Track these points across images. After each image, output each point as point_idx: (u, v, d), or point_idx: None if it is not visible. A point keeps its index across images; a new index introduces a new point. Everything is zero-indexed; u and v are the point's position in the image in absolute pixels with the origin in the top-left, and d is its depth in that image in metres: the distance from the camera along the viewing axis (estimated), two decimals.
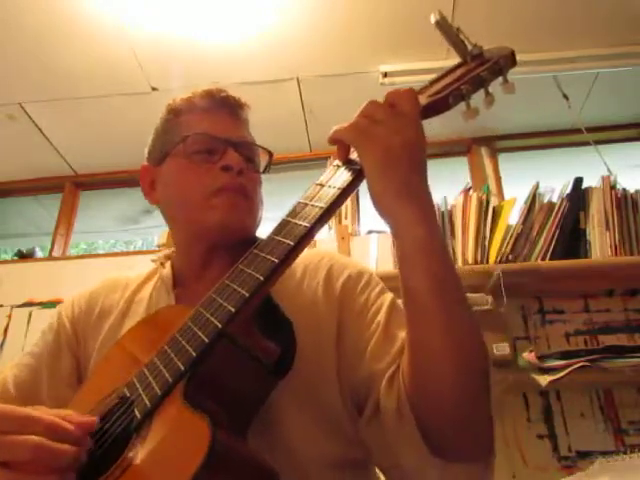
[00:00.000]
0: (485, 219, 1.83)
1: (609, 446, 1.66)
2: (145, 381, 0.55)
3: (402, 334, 0.66)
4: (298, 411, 0.64)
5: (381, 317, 0.69)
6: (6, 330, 2.21)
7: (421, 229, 0.56)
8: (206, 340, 0.53)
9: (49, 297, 2.25)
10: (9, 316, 2.24)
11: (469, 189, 1.94)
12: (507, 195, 2.30)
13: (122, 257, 2.56)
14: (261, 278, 0.55)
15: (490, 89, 0.64)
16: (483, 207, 1.86)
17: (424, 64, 2.11)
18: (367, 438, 0.65)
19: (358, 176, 0.60)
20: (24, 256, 2.61)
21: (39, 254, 2.68)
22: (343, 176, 0.61)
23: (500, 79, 0.64)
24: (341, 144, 0.62)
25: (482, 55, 0.65)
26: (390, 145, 0.57)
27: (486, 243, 1.80)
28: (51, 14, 1.90)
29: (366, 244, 2.20)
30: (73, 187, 2.77)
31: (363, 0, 1.90)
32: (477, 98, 0.64)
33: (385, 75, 2.16)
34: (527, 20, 1.98)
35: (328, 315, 0.71)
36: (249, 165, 0.78)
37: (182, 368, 0.52)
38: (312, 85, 2.24)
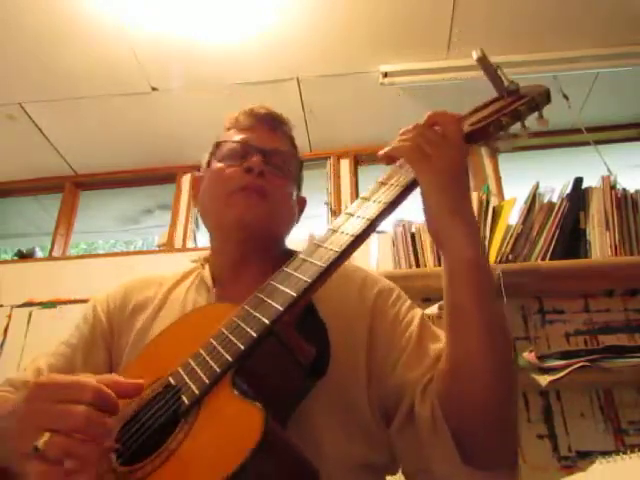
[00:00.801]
0: (485, 219, 1.83)
1: (609, 446, 1.66)
2: (192, 371, 0.57)
3: (434, 347, 0.71)
4: (327, 412, 0.66)
5: (414, 329, 0.73)
6: (6, 330, 2.21)
7: (472, 250, 0.61)
8: (254, 335, 0.56)
9: (49, 297, 2.25)
10: (9, 316, 2.24)
11: None
12: (507, 195, 2.30)
13: (122, 257, 2.56)
14: (309, 280, 0.58)
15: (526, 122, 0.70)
16: (483, 207, 1.86)
17: (424, 64, 2.11)
18: (398, 444, 0.68)
19: (404, 192, 0.64)
20: (24, 256, 2.61)
21: (39, 254, 2.68)
22: (388, 192, 0.65)
23: (535, 114, 0.70)
24: (391, 160, 0.68)
25: (518, 91, 0.71)
26: (444, 167, 0.63)
27: (486, 243, 1.79)
28: (51, 14, 1.90)
29: (366, 244, 2.19)
30: (73, 187, 2.77)
31: (363, 0, 1.90)
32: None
33: (385, 75, 2.16)
34: (527, 20, 1.98)
35: (360, 322, 0.74)
36: (277, 172, 0.82)
37: (230, 360, 0.55)
38: (312, 85, 2.24)
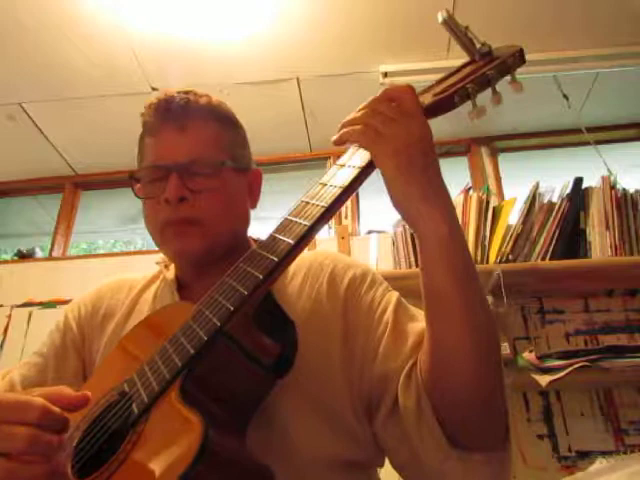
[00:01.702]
0: (485, 219, 1.83)
1: (609, 446, 1.66)
2: (144, 377, 0.56)
3: (413, 329, 0.67)
4: (300, 410, 0.65)
5: (389, 315, 0.70)
6: (6, 330, 2.21)
7: (445, 228, 0.57)
8: (205, 338, 0.53)
9: (49, 297, 2.25)
10: (9, 316, 2.24)
11: (469, 189, 1.94)
12: (507, 195, 2.30)
13: (122, 257, 2.57)
14: (260, 276, 0.55)
15: (498, 88, 0.63)
16: (483, 207, 1.86)
17: (424, 64, 2.11)
18: (384, 436, 0.66)
19: (360, 175, 0.60)
20: (24, 256, 2.61)
21: (39, 254, 2.68)
22: (345, 175, 0.61)
23: (508, 78, 0.63)
24: (347, 144, 0.63)
25: (490, 53, 0.64)
26: (402, 144, 0.57)
27: (486, 243, 1.79)
28: (51, 14, 1.90)
29: (366, 244, 2.20)
30: (73, 187, 2.77)
31: (363, 0, 1.90)
32: (484, 97, 0.63)
33: (385, 75, 2.16)
34: (527, 20, 1.98)
35: (332, 315, 0.71)
36: (203, 182, 0.73)
37: (180, 365, 0.53)
38: (312, 85, 2.24)
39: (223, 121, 0.80)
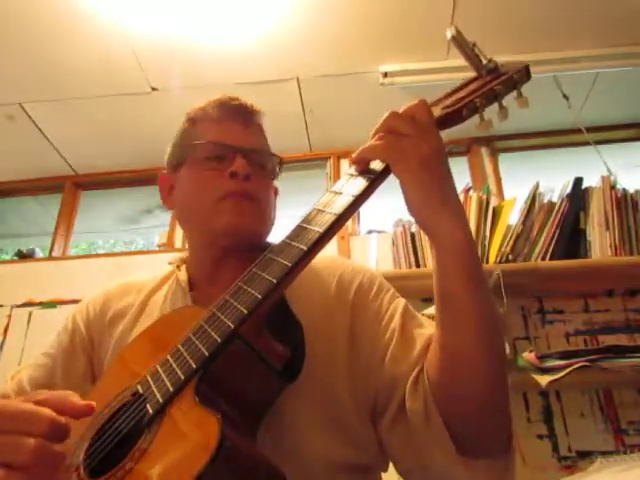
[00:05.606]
0: (485, 219, 1.83)
1: (609, 446, 1.66)
2: (158, 378, 0.56)
3: (420, 336, 0.69)
4: (308, 413, 0.65)
5: (396, 322, 0.71)
6: (6, 330, 2.21)
7: (460, 234, 0.59)
8: (219, 340, 0.54)
9: (49, 297, 2.25)
10: (9, 316, 2.24)
11: (469, 189, 1.94)
12: (507, 195, 2.30)
13: (122, 257, 2.56)
14: (274, 281, 0.57)
15: (504, 102, 0.66)
16: (483, 207, 1.86)
17: (424, 64, 2.11)
18: (389, 441, 0.67)
19: (372, 185, 0.62)
20: (24, 256, 2.61)
21: (39, 254, 2.68)
22: (357, 185, 0.62)
23: (514, 93, 0.66)
24: (365, 163, 0.64)
25: (497, 69, 0.66)
26: (422, 157, 0.59)
27: (486, 243, 1.79)
28: (51, 14, 1.90)
29: (366, 244, 2.20)
30: (73, 187, 2.77)
31: (363, 0, 1.90)
32: (491, 110, 0.66)
33: (385, 75, 2.16)
34: (527, 20, 1.98)
35: (340, 320, 0.72)
36: (259, 171, 0.79)
37: (194, 366, 0.54)
38: (312, 85, 2.24)
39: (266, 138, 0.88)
